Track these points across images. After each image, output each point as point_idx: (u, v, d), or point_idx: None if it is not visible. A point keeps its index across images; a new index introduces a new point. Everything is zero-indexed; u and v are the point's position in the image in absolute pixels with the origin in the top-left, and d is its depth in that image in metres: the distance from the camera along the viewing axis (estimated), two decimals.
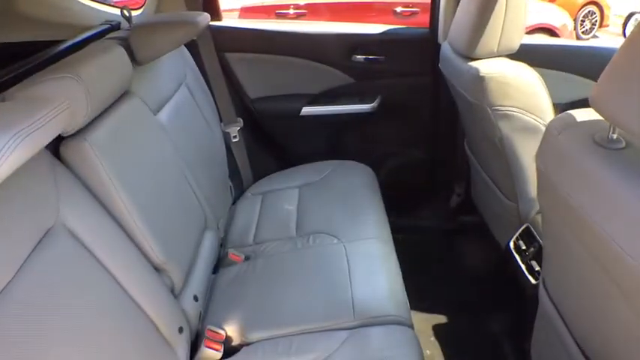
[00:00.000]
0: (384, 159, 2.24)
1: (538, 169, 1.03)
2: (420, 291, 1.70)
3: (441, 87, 1.92)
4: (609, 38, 7.40)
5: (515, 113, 1.38)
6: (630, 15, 2.07)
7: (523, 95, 1.37)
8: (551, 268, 1.15)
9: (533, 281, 1.39)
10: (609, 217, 0.80)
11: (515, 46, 1.44)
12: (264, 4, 4.82)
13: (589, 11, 7.35)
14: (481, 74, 1.37)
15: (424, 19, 4.57)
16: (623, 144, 0.85)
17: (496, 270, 1.89)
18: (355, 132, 2.24)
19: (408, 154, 2.25)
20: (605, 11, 7.40)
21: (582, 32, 7.38)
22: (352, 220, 1.66)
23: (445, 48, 1.68)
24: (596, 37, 7.64)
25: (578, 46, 2.12)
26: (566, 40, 4.50)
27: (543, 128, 1.36)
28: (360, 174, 1.95)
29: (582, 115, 0.95)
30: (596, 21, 7.43)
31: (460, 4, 1.55)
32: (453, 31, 1.58)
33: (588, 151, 0.86)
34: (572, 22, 6.32)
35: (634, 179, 0.78)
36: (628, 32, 2.12)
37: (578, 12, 7.25)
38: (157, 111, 1.51)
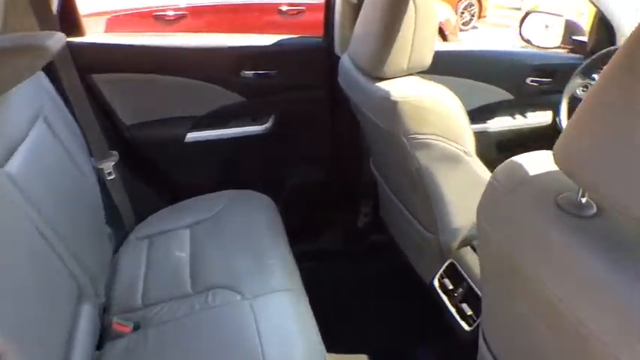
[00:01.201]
0: (284, 183, 2.02)
1: (479, 224, 0.86)
2: (339, 334, 1.51)
3: (340, 101, 1.74)
4: (488, 29, 7.71)
5: (434, 141, 1.22)
6: (527, 14, 2.00)
7: (442, 120, 1.22)
8: (494, 326, 1.00)
9: (466, 327, 1.24)
10: (584, 305, 0.65)
11: (427, 62, 1.28)
12: (139, 9, 4.33)
13: (468, 3, 7.61)
14: (394, 99, 1.19)
15: (310, 17, 4.45)
16: (594, 210, 0.69)
17: (416, 296, 1.74)
18: (249, 156, 2.00)
19: (309, 175, 2.05)
20: (483, 3, 7.70)
21: (462, 24, 7.62)
22: (256, 267, 1.43)
23: (345, 61, 1.49)
24: (476, 27, 7.93)
25: (475, 51, 2.04)
26: (458, 45, 4.53)
27: (465, 156, 1.22)
28: (258, 205, 1.72)
29: (534, 164, 0.79)
30: (474, 12, 7.70)
31: (361, 14, 1.36)
32: (355, 46, 1.39)
33: (551, 218, 0.70)
34: (455, 16, 6.47)
35: (614, 259, 0.62)
36: (525, 33, 2.05)
37: (457, 4, 7.46)
38: (4, 161, 1.18)
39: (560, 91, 2.04)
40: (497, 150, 2.08)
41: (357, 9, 1.57)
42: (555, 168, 0.77)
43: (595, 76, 1.86)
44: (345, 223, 2.09)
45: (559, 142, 0.67)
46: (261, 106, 1.90)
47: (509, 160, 0.83)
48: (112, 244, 1.66)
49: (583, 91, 1.81)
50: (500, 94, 2.01)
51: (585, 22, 2.09)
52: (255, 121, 1.90)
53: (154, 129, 1.87)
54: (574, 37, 2.05)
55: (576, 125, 0.65)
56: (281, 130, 1.92)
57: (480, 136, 1.39)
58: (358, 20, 1.37)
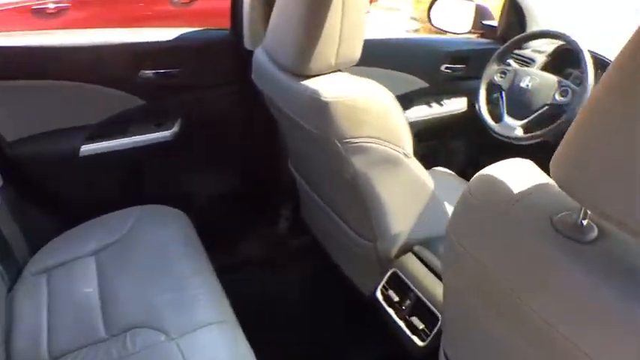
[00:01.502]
0: (196, 193, 1.84)
1: (450, 244, 0.77)
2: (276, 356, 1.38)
3: (252, 98, 1.59)
4: (382, 12, 7.78)
5: (371, 144, 1.11)
6: (434, 1, 1.95)
7: (379, 121, 1.11)
8: (461, 345, 0.92)
9: (419, 342, 1.16)
10: (584, 332, 0.60)
11: (357, 55, 1.17)
12: (15, 3, 3.78)
13: None
14: (324, 99, 1.07)
15: (204, 5, 4.19)
16: (595, 233, 0.62)
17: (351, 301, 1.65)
18: (155, 167, 1.79)
19: (224, 182, 1.88)
20: None
21: None
22: (178, 298, 1.26)
23: (260, 57, 1.34)
24: (369, 12, 7.97)
25: (390, 40, 1.97)
26: (371, 34, 4.48)
27: (404, 158, 1.13)
28: (171, 221, 1.53)
29: (518, 179, 0.70)
30: None
31: (277, 3, 1.22)
32: (272, 39, 1.25)
33: (547, 242, 0.62)
34: None
35: (621, 286, 0.55)
36: (434, 19, 2.00)
37: None
38: None
39: (474, 77, 2.02)
40: (417, 140, 2.02)
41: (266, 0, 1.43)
42: (542, 180, 0.70)
43: (510, 61, 1.84)
44: (266, 230, 1.95)
45: (557, 156, 0.60)
46: (165, 109, 1.70)
47: (485, 174, 0.74)
48: (5, 283, 1.41)
49: (501, 77, 1.79)
50: (416, 83, 1.95)
51: (495, 6, 2.07)
52: (159, 127, 1.70)
53: (41, 144, 1.61)
54: (484, 22, 2.03)
55: (576, 137, 0.57)
56: (189, 134, 1.73)
57: None
58: (275, 10, 1.23)
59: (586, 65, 1.58)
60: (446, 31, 2.11)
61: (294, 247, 1.94)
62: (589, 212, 0.62)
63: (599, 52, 1.69)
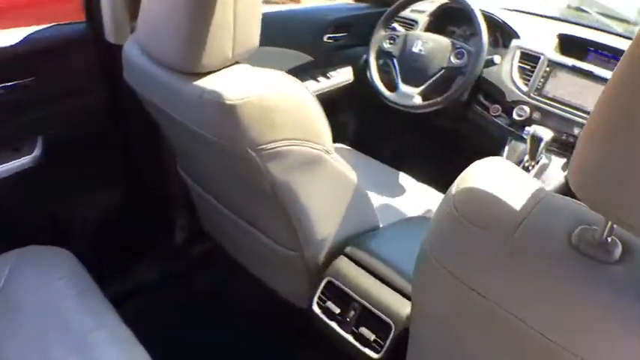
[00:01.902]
0: (75, 221, 1.53)
1: (430, 263, 0.64)
2: None
3: (124, 100, 1.33)
4: None
5: (290, 147, 0.94)
6: None
7: (296, 119, 0.94)
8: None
9: (374, 355, 1.04)
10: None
11: (256, 41, 0.98)
12: None
13: None
14: (229, 102, 0.87)
15: None
16: (619, 250, 0.54)
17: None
18: (23, 200, 1.43)
19: (106, 201, 1.58)
20: None
21: None
22: None
23: (132, 52, 1.10)
24: None
25: (267, 14, 1.76)
26: None
27: (326, 156, 0.97)
28: (54, 263, 1.23)
29: (518, 192, 0.59)
30: None
31: None
32: (146, 32, 1.01)
33: (564, 263, 0.54)
34: None
35: None
36: None
37: None
38: None
39: (357, 44, 1.91)
40: None
41: None
42: (537, 189, 0.60)
43: (395, 25, 1.75)
44: (162, 245, 1.70)
45: (575, 164, 0.50)
46: (22, 129, 1.37)
47: (470, 187, 0.61)
48: None
49: (390, 43, 1.69)
50: (300, 58, 1.79)
51: None
52: (17, 152, 1.36)
53: None
54: None
55: (595, 140, 0.47)
56: (55, 154, 1.41)
57: None
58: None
59: (479, 24, 1.52)
60: None
61: (195, 257, 1.73)
62: (615, 227, 0.52)
63: (486, 10, 1.65)
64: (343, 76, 1.93)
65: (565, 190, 1.53)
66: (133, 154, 1.51)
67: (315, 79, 1.85)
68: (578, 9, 2.98)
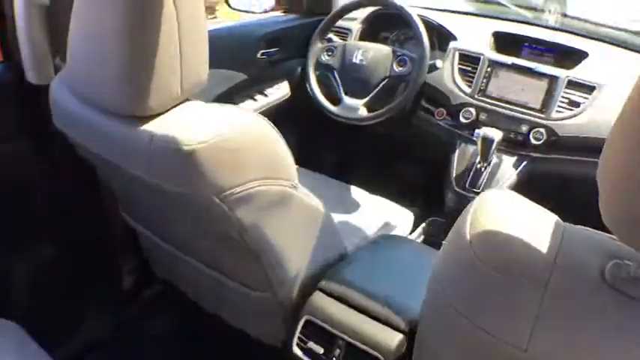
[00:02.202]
0: (11, 287, 1.35)
1: (440, 303, 0.59)
2: None
3: (54, 146, 1.20)
4: None
5: (258, 188, 0.86)
6: None
7: (261, 157, 0.86)
8: None
9: None
10: None
11: (205, 74, 0.89)
12: None
13: None
14: (186, 147, 0.78)
15: None
16: None
17: None
18: None
19: (43, 259, 1.39)
20: None
21: None
22: None
23: (60, 95, 0.98)
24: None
25: None
26: None
27: (293, 191, 0.90)
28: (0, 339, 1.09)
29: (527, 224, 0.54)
30: None
31: (75, 24, 0.87)
32: (77, 72, 0.90)
33: (599, 300, 0.51)
34: None
35: None
36: (232, 1, 1.75)
37: None
38: None
39: (290, 58, 1.84)
40: None
41: (54, 15, 1.04)
42: (554, 222, 0.56)
43: (331, 36, 1.69)
44: (110, 294, 1.55)
45: (606, 198, 0.47)
46: None
47: (489, 230, 0.56)
48: None
49: (328, 55, 1.63)
50: (234, 78, 1.70)
51: None
52: None
53: None
54: None
55: (623, 173, 0.45)
56: None
57: None
58: (74, 30, 0.88)
59: (419, 29, 1.50)
60: (247, 12, 1.88)
61: (148, 302, 1.59)
62: None
63: (420, 13, 1.63)
64: (280, 91, 1.85)
65: (518, 188, 1.53)
66: (67, 201, 1.36)
67: (252, 98, 1.76)
68: (494, 2, 3.06)
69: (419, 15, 1.54)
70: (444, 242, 0.66)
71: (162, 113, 0.85)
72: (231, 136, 0.81)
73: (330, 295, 1.05)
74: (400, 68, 1.53)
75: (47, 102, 1.01)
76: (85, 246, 1.41)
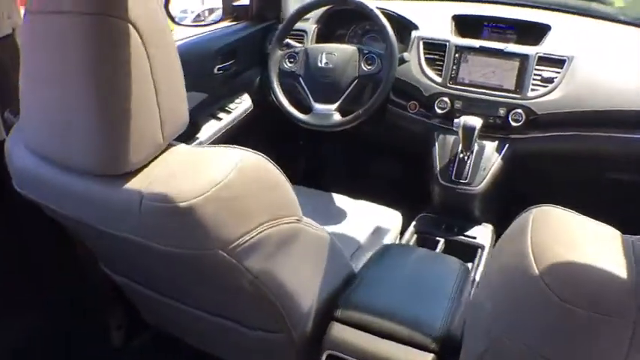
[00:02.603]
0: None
1: (489, 324, 0.54)
2: None
3: (15, 205, 1.07)
4: None
5: (265, 231, 0.78)
6: None
7: (264, 199, 0.78)
8: None
9: None
10: None
11: (186, 114, 0.80)
12: None
13: None
14: (183, 204, 0.69)
15: None
16: None
17: None
18: None
19: (16, 330, 1.27)
20: None
21: None
22: None
23: (17, 153, 0.87)
24: None
25: None
26: None
27: (299, 225, 0.83)
28: None
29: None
30: None
31: (25, 73, 0.76)
32: (39, 129, 0.79)
33: None
34: None
35: None
36: (176, 13, 1.65)
37: None
38: None
39: (247, 68, 1.75)
40: None
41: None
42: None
43: (289, 41, 1.61)
44: (99, 354, 1.43)
45: None
46: None
47: (564, 261, 0.51)
48: None
49: (290, 62, 1.55)
50: (194, 98, 1.60)
51: None
52: None
53: None
54: (235, 4, 1.74)
55: None
56: None
57: None
58: (24, 81, 0.77)
59: (383, 23, 1.43)
60: (195, 26, 1.77)
61: (141, 351, 1.48)
62: None
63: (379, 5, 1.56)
64: (243, 105, 1.76)
65: (503, 172, 1.50)
66: (39, 260, 1.23)
67: (215, 117, 1.66)
68: None
69: (377, 8, 1.47)
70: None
71: (146, 166, 0.75)
72: (229, 182, 0.72)
73: (348, 324, 0.99)
74: (369, 67, 1.46)
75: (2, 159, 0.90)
76: (66, 308, 1.29)
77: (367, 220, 1.51)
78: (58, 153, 0.77)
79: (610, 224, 0.60)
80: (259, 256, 0.79)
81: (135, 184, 0.73)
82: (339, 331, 0.98)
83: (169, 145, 0.79)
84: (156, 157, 0.77)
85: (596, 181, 1.68)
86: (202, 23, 1.78)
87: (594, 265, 0.51)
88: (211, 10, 2.03)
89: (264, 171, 0.79)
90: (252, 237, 0.76)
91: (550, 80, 1.44)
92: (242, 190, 0.74)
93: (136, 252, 0.87)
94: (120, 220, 0.78)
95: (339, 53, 1.49)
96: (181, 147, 0.81)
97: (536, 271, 0.52)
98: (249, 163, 0.76)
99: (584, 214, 0.60)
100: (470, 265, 1.46)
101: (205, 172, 0.73)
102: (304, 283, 0.94)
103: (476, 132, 1.41)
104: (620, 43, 1.52)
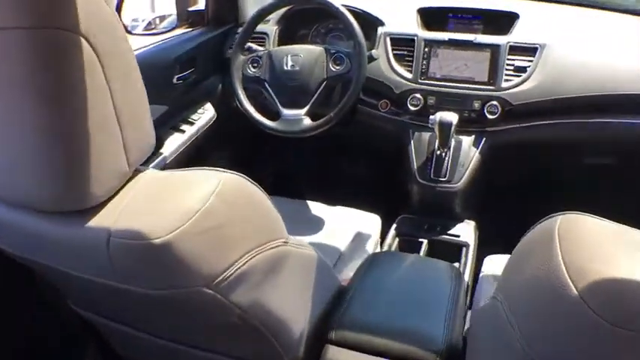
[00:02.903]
0: None
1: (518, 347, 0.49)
2: None
3: None
4: None
5: (251, 260, 0.70)
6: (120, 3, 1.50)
7: (248, 224, 0.70)
8: None
9: None
10: None
11: (152, 137, 0.72)
12: None
13: None
14: (158, 240, 0.61)
15: None
16: None
17: None
18: None
19: None
20: None
21: None
22: None
23: None
24: None
25: None
26: None
27: (287, 247, 0.76)
28: None
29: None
30: None
31: None
32: None
33: None
34: None
35: None
36: (133, 26, 1.55)
37: None
38: None
39: (208, 76, 1.67)
40: None
41: None
42: None
43: (251, 45, 1.53)
44: None
45: None
46: None
47: (605, 278, 0.45)
48: None
49: (254, 67, 1.47)
50: (154, 112, 1.49)
51: None
52: None
53: None
54: (190, 9, 1.65)
55: None
56: None
57: None
58: None
59: (350, 20, 1.37)
60: (149, 35, 1.67)
61: None
62: None
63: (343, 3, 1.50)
64: (206, 115, 1.67)
65: (482, 166, 1.46)
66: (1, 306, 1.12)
67: (178, 130, 1.57)
68: None
69: (343, 5, 1.41)
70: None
71: (112, 198, 0.67)
72: (209, 210, 0.64)
73: (344, 345, 0.92)
74: (337, 67, 1.40)
75: None
76: (34, 352, 1.18)
77: (346, 227, 1.45)
78: (6, 190, 0.68)
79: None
80: (246, 287, 0.71)
81: (100, 220, 0.65)
82: (335, 354, 0.92)
83: (136, 172, 0.71)
84: (122, 187, 0.69)
85: (574, 168, 1.66)
86: (156, 31, 1.68)
87: (636, 279, 0.46)
88: (162, 17, 1.92)
89: (246, 193, 0.71)
90: (238, 268, 0.68)
91: (523, 69, 1.41)
92: (224, 218, 0.66)
93: (107, 294, 0.79)
94: (86, 261, 0.69)
95: (305, 54, 1.42)
96: (150, 172, 0.72)
97: (576, 293, 0.47)
98: (229, 185, 0.69)
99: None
100: (457, 264, 1.42)
101: (180, 200, 0.65)
102: (294, 307, 0.86)
103: (453, 127, 1.36)
104: (592, 28, 1.50)
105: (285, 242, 0.78)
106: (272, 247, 0.74)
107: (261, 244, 0.72)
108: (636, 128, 1.39)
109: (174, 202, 0.65)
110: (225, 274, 0.66)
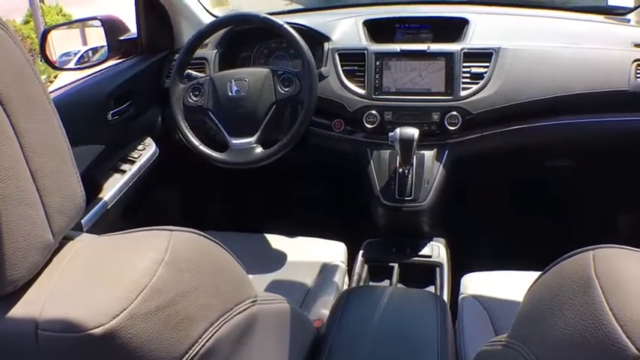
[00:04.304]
0: None
1: None
2: None
3: None
4: None
5: (216, 332, 0.58)
6: (46, 32, 1.40)
7: (209, 292, 0.58)
8: None
9: None
10: None
11: (81, 195, 0.59)
12: None
13: None
14: (97, 331, 0.48)
15: None
16: None
17: None
18: None
19: None
20: None
21: None
22: None
23: None
24: None
25: None
26: None
27: (256, 306, 0.65)
28: None
29: None
30: None
31: None
32: None
33: None
34: None
35: None
36: (59, 61, 1.42)
37: None
38: None
39: (145, 109, 1.54)
40: (133, 223, 1.47)
41: None
42: None
43: (191, 72, 1.41)
44: None
45: None
46: None
47: None
48: None
49: (195, 96, 1.35)
50: (89, 152, 1.36)
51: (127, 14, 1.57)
52: None
53: None
54: (121, 38, 1.51)
55: None
56: None
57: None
58: None
59: (297, 39, 1.28)
60: (80, 69, 1.54)
61: None
62: None
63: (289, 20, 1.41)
64: (147, 151, 1.54)
65: (447, 180, 1.40)
66: None
67: (118, 170, 1.43)
68: None
69: (287, 22, 1.31)
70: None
71: (35, 278, 0.54)
72: (158, 284, 0.52)
73: None
74: (286, 89, 1.30)
75: None
76: None
77: (310, 259, 1.35)
78: None
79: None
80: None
81: (23, 308, 0.52)
82: None
83: (65, 240, 0.58)
84: (48, 263, 0.56)
85: (536, 172, 1.62)
86: (88, 64, 1.54)
87: None
88: (95, 50, 1.79)
89: (201, 253, 0.60)
90: (203, 345, 0.56)
91: (480, 76, 1.35)
92: (176, 291, 0.54)
93: None
94: (10, 357, 0.56)
95: (250, 78, 1.31)
96: (83, 239, 0.60)
97: (634, 351, 0.38)
98: (180, 248, 0.57)
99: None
100: (432, 288, 1.34)
101: (122, 274, 0.52)
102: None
103: (414, 143, 1.28)
104: (545, 28, 1.46)
105: (253, 302, 0.67)
106: (240, 311, 0.63)
107: (227, 310, 0.60)
108: (591, 127, 1.36)
109: (114, 277, 0.52)
110: (191, 352, 0.54)
